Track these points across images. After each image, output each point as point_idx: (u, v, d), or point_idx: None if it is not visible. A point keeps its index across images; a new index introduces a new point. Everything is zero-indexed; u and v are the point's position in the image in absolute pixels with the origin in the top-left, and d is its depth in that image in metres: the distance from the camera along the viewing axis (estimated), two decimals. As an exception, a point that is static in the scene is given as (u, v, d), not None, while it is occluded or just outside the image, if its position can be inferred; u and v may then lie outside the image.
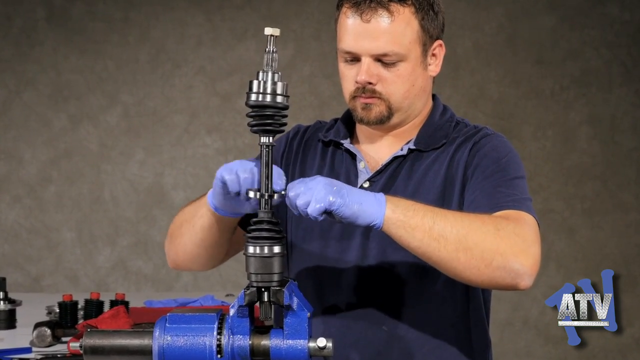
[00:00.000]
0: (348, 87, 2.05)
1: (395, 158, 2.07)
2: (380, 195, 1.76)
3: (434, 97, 2.18)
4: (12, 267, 5.62)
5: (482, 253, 1.76)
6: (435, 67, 2.08)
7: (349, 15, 1.98)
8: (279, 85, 1.69)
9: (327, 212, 1.72)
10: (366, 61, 1.98)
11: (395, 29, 1.96)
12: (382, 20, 1.95)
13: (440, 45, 2.07)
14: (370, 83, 1.99)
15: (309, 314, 1.66)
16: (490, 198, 1.93)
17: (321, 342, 1.64)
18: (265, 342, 1.65)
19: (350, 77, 2.03)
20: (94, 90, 5.65)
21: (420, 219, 1.75)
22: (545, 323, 5.64)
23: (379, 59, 1.98)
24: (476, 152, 2.02)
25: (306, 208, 1.70)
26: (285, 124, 1.71)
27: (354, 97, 2.04)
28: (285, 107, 1.70)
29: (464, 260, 1.77)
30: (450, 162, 2.03)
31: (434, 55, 2.06)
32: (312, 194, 1.70)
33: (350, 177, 2.10)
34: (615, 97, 5.75)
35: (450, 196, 2.01)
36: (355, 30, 1.97)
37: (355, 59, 2.00)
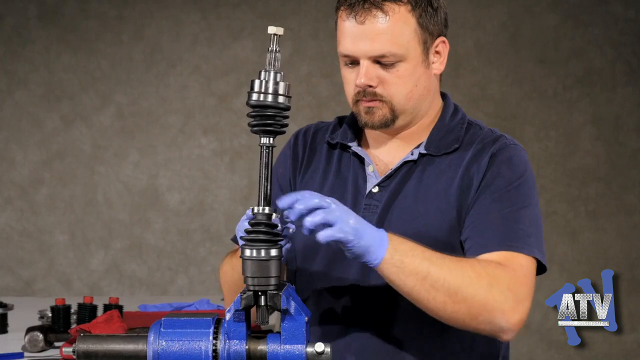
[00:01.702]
0: (350, 91, 2.03)
1: (405, 163, 2.06)
2: (384, 235, 1.77)
3: (444, 96, 2.17)
4: (4, 270, 5.61)
5: (470, 308, 1.80)
6: (439, 64, 2.06)
7: (344, 17, 1.98)
8: (281, 85, 1.69)
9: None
10: (364, 64, 1.97)
11: (391, 29, 1.95)
12: (377, 20, 1.94)
13: (444, 42, 2.05)
14: (370, 86, 1.98)
15: (306, 318, 1.66)
16: (494, 232, 1.94)
17: (319, 347, 1.64)
18: (262, 347, 1.65)
19: (351, 80, 2.02)
20: (87, 89, 5.65)
21: (416, 266, 1.78)
22: (547, 328, 5.64)
23: (378, 60, 1.97)
24: (492, 166, 2.00)
25: (321, 231, 1.71)
26: (286, 125, 1.71)
27: (356, 102, 2.03)
28: (287, 108, 1.70)
29: (450, 312, 1.81)
30: (466, 171, 2.01)
31: (437, 52, 2.04)
32: (335, 221, 1.71)
33: (358, 182, 2.09)
34: (619, 96, 5.75)
35: (466, 206, 2.00)
36: (351, 33, 1.96)
37: (354, 61, 1.99)
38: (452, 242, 1.97)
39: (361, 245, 1.73)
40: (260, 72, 1.69)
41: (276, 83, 1.69)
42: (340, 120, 2.24)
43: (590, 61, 5.74)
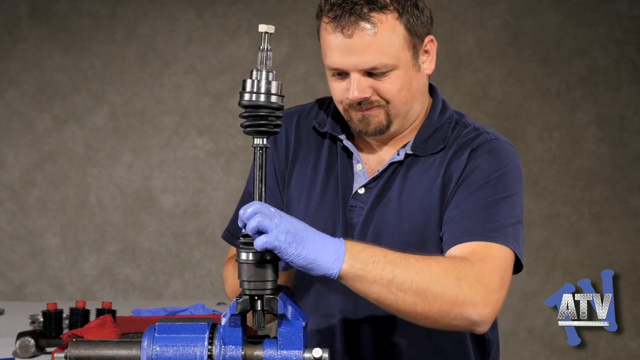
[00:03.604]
0: (339, 100, 2.03)
1: (391, 164, 2.06)
2: (340, 245, 1.71)
3: (433, 89, 2.16)
4: (-6, 274, 5.62)
5: (441, 306, 1.77)
6: (429, 64, 2.05)
7: (329, 30, 1.95)
8: (274, 84, 1.69)
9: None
10: (355, 77, 1.96)
11: (380, 40, 1.93)
12: (365, 33, 1.92)
13: (432, 40, 2.04)
14: (364, 98, 1.97)
15: (304, 323, 1.66)
16: (467, 222, 1.92)
17: (317, 352, 1.64)
18: (258, 352, 1.66)
19: (339, 90, 2.01)
20: (79, 89, 5.65)
21: (379, 272, 1.72)
22: (551, 333, 5.64)
23: (369, 72, 1.95)
24: (470, 161, 2.00)
25: (257, 236, 1.64)
26: (279, 125, 1.71)
27: (347, 109, 2.02)
28: (280, 108, 1.70)
29: (421, 312, 1.77)
30: (447, 169, 2.02)
31: (426, 52, 2.03)
32: (272, 228, 1.63)
33: (347, 181, 2.10)
34: (624, 96, 5.75)
35: (447, 204, 2.00)
36: (338, 47, 1.94)
37: (343, 73, 1.98)
38: (439, 241, 1.98)
39: (304, 256, 1.66)
40: (251, 71, 1.69)
41: (268, 82, 1.68)
42: (322, 103, 2.23)
43: (594, 60, 5.75)
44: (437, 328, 1.84)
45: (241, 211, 1.65)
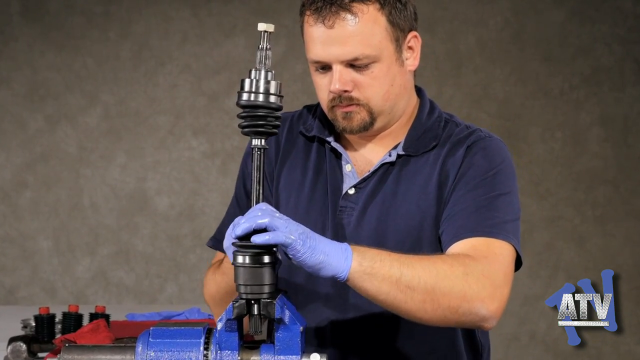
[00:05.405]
0: (324, 97, 2.05)
1: (382, 164, 2.08)
2: (346, 246, 1.74)
3: (419, 91, 2.18)
4: (-15, 278, 5.61)
5: (450, 302, 1.79)
6: (413, 60, 2.08)
7: (311, 22, 2.00)
8: (273, 84, 1.70)
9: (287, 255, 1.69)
10: (337, 69, 1.98)
11: (362, 31, 1.95)
12: (346, 23, 1.95)
13: (415, 36, 2.06)
14: (345, 91, 1.99)
15: (301, 327, 1.66)
16: (467, 219, 1.95)
17: (315, 357, 1.64)
18: (255, 357, 1.66)
19: (324, 86, 2.03)
20: (72, 89, 5.65)
21: (387, 270, 1.75)
22: (553, 338, 5.64)
23: (351, 64, 1.97)
24: (466, 158, 2.03)
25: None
26: (278, 126, 1.72)
27: (332, 107, 2.04)
28: (279, 108, 1.71)
29: (430, 310, 1.79)
30: (443, 166, 2.04)
31: (410, 48, 2.06)
32: (279, 228, 1.65)
33: (336, 182, 2.11)
34: (628, 96, 5.76)
35: (444, 200, 2.02)
36: (320, 38, 1.98)
37: (326, 67, 2.01)
38: (435, 239, 2.00)
39: (316, 256, 1.68)
40: (250, 71, 1.69)
41: (267, 82, 1.69)
42: (309, 109, 2.25)
43: (597, 59, 5.75)
44: (445, 325, 1.86)
45: (250, 210, 1.67)
